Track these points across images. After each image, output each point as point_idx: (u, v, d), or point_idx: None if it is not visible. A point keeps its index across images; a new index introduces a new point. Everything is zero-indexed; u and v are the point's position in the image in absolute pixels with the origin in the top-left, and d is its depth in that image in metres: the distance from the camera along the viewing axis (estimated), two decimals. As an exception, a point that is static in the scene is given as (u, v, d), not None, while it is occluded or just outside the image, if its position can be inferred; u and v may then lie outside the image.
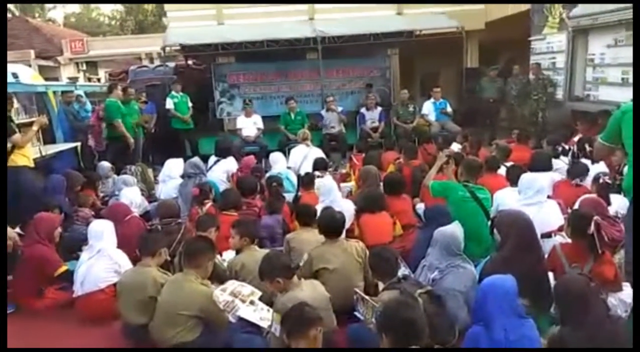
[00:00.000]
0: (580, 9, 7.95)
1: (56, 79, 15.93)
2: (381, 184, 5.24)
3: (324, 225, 3.79)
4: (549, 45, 9.00)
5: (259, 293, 3.14)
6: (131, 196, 5.43)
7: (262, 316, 3.01)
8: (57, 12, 35.56)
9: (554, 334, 2.60)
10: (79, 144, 8.01)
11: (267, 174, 6.09)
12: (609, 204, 4.03)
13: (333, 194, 4.88)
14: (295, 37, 9.43)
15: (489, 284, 2.61)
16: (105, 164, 6.86)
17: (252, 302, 3.05)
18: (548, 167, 5.17)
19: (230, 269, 3.65)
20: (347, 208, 4.56)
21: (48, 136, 7.48)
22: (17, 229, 4.43)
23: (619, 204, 4.00)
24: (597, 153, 3.90)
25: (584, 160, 5.39)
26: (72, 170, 6.39)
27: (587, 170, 4.87)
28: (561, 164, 5.71)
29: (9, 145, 5.00)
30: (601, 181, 4.36)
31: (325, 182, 5.16)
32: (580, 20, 7.88)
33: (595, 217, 3.20)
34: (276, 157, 6.79)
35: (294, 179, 6.13)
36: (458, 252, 3.47)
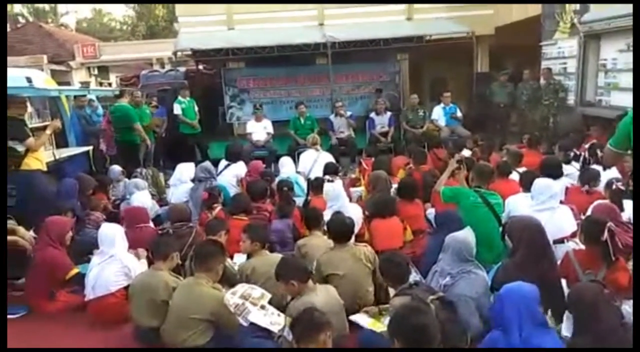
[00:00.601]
0: (592, 14, 7.89)
1: (68, 84, 16.12)
2: (392, 188, 5.23)
3: (334, 229, 3.80)
4: (560, 50, 8.94)
5: (269, 296, 3.15)
6: (142, 200, 5.46)
7: (272, 320, 3.00)
8: (70, 18, 36.06)
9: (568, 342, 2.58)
10: (90, 148, 8.07)
11: (277, 179, 6.11)
12: (622, 210, 3.99)
13: (341, 199, 4.89)
14: (305, 42, 9.44)
15: (507, 290, 2.59)
16: (117, 168, 6.90)
17: (262, 307, 3.05)
18: (559, 173, 5.12)
19: (241, 273, 3.66)
20: (355, 213, 4.56)
21: (61, 140, 7.54)
22: (31, 232, 4.48)
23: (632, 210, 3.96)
24: (606, 159, 3.86)
25: (595, 166, 5.34)
26: (84, 174, 6.43)
27: (598, 176, 4.81)
28: (572, 169, 5.65)
29: (22, 148, 5.06)
30: (614, 186, 4.32)
31: (333, 187, 5.16)
32: (592, 25, 7.82)
33: (609, 224, 3.17)
34: (284, 161, 6.82)
35: (304, 184, 6.14)
36: (470, 258, 3.45)
